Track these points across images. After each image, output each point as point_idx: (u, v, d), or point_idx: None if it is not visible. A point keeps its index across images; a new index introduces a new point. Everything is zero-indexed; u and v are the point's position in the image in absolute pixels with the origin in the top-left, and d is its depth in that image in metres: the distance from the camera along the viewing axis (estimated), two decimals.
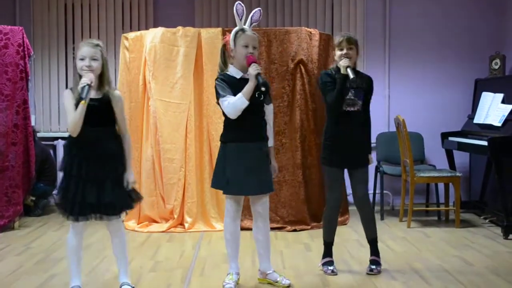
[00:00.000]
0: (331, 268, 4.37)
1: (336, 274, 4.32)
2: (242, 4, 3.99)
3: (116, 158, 3.71)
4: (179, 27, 6.09)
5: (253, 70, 3.81)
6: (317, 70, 6.10)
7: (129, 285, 3.85)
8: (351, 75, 4.17)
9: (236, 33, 3.94)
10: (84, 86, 3.51)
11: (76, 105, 3.55)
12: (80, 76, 3.62)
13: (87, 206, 3.61)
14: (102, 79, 3.69)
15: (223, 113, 4.00)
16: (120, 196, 3.71)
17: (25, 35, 6.07)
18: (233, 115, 3.88)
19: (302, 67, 6.04)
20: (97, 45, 3.66)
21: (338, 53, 4.29)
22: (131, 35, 6.28)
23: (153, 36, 6.06)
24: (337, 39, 4.33)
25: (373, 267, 4.37)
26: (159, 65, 6.01)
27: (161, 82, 6.02)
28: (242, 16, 3.97)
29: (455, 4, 7.32)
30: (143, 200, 4.07)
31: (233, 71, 3.97)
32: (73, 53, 7.30)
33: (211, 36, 6.05)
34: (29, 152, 6.14)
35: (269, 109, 4.12)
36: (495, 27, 7.27)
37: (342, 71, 4.22)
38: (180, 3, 7.35)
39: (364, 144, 4.40)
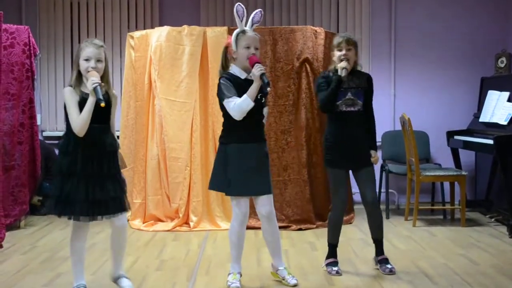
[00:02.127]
0: (335, 268, 4.36)
1: (340, 275, 4.31)
2: (242, 6, 3.97)
3: (116, 155, 3.75)
4: (185, 26, 6.09)
5: (257, 70, 3.81)
6: (323, 68, 6.09)
7: (126, 277, 3.89)
8: (343, 73, 4.19)
9: (238, 34, 3.95)
10: (97, 88, 3.52)
11: (81, 103, 3.57)
12: (81, 74, 3.65)
13: (91, 204, 3.60)
14: (103, 78, 3.69)
15: (224, 114, 4.00)
16: (122, 193, 3.74)
17: (31, 34, 6.10)
18: (238, 116, 3.89)
19: (307, 65, 6.04)
20: (101, 46, 3.68)
21: (337, 53, 4.29)
22: (137, 34, 6.29)
23: (158, 35, 6.07)
24: (336, 39, 4.33)
25: (390, 266, 4.34)
26: (165, 64, 6.02)
27: (166, 81, 6.02)
28: (242, 17, 3.96)
29: (461, 3, 7.30)
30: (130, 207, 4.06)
31: (237, 72, 3.97)
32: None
33: (216, 35, 6.05)
34: (35, 151, 6.16)
35: (265, 111, 4.11)
36: (501, 25, 7.24)
37: (339, 72, 4.22)
38: (186, 2, 7.36)
39: (365, 144, 4.35)
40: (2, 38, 5.70)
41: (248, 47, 3.90)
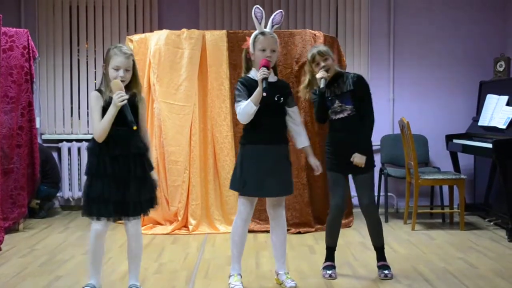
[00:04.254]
0: (329, 272, 4.34)
1: (334, 279, 4.30)
2: (261, 8, 3.99)
3: (143, 158, 3.74)
4: (184, 29, 6.10)
5: (260, 75, 3.82)
6: None
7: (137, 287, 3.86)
8: (322, 85, 4.15)
9: (255, 37, 3.96)
10: (125, 107, 3.55)
11: (106, 108, 3.60)
12: (109, 80, 3.67)
13: (112, 205, 3.62)
14: (131, 82, 3.73)
15: None
16: (145, 196, 3.74)
17: (30, 38, 6.10)
18: (243, 120, 3.93)
19: None
20: (130, 55, 3.70)
21: (315, 68, 4.25)
22: (136, 37, 6.29)
23: (157, 38, 6.07)
24: (309, 56, 4.30)
25: (386, 272, 4.32)
26: (164, 67, 6.02)
27: (165, 84, 6.03)
28: (261, 20, 3.97)
29: (459, 7, 7.31)
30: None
31: (254, 74, 3.98)
32: (78, 55, 7.32)
33: (215, 38, 6.05)
34: (33, 154, 6.15)
35: (294, 111, 4.11)
36: (499, 29, 7.26)
37: (319, 83, 4.19)
38: (185, 6, 7.36)
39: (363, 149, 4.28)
40: (1, 41, 5.70)
41: (263, 50, 3.92)
